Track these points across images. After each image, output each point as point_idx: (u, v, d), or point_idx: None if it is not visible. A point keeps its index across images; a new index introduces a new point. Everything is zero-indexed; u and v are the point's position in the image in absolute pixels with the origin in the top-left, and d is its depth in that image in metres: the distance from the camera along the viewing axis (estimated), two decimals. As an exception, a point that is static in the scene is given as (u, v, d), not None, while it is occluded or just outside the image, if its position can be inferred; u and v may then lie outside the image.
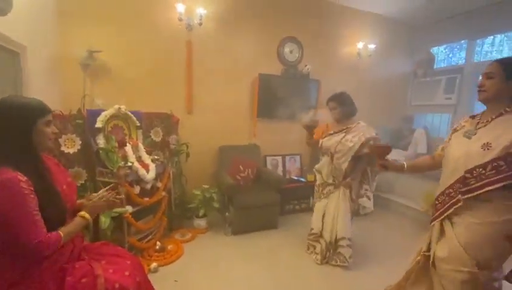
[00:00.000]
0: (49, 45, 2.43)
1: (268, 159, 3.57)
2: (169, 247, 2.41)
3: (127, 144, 2.26)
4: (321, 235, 2.35)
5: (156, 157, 2.47)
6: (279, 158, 3.62)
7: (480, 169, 1.09)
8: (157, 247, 2.33)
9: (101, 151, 2.09)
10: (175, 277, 2.07)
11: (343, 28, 3.86)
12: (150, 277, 1.46)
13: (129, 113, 2.35)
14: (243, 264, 2.32)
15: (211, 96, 3.22)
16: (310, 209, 3.40)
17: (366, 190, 2.24)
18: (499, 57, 3.58)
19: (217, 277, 2.13)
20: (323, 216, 2.31)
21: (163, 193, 2.50)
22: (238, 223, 2.82)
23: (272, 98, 3.46)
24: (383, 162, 1.45)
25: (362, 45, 3.86)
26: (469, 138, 1.19)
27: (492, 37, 3.79)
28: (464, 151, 1.17)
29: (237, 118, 3.44)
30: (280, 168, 3.61)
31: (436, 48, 4.42)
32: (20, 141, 1.01)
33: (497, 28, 3.59)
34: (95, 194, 1.33)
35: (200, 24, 2.92)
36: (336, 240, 2.25)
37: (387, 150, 1.45)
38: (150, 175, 2.24)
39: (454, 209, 1.19)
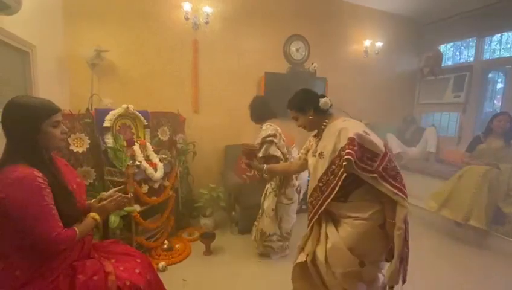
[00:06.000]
0: (58, 44, 2.45)
1: (275, 158, 3.55)
2: (177, 246, 2.41)
3: (135, 143, 2.26)
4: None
5: (163, 156, 2.47)
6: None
7: (325, 176, 1.28)
8: (165, 246, 2.33)
9: (109, 151, 2.10)
10: (183, 276, 2.07)
11: (350, 26, 3.83)
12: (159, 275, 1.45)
13: (137, 113, 2.36)
14: (250, 262, 2.31)
15: (217, 95, 3.22)
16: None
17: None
18: (507, 55, 3.61)
19: (224, 276, 2.12)
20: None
21: (171, 192, 2.50)
22: (245, 222, 2.80)
23: (278, 96, 3.44)
24: (248, 162, 1.79)
25: (369, 42, 3.83)
26: (314, 155, 1.38)
27: (499, 35, 3.73)
28: (314, 166, 1.36)
29: (243, 117, 3.41)
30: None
31: (443, 46, 4.37)
32: (28, 142, 1.02)
33: (505, 25, 3.54)
34: (105, 193, 1.33)
35: (207, 23, 2.91)
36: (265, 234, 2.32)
37: (253, 153, 1.79)
38: (158, 174, 2.24)
39: (337, 210, 1.32)
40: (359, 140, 1.19)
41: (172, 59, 2.98)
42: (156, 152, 2.43)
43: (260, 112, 2.41)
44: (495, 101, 3.97)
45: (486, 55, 3.86)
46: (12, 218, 0.95)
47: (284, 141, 2.31)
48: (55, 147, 1.11)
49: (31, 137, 1.02)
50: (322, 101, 1.39)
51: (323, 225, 1.38)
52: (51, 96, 1.14)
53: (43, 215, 0.96)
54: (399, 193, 1.16)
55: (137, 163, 2.11)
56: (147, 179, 2.21)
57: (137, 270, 1.20)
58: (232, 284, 2.04)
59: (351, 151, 1.15)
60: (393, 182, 1.17)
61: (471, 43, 4.03)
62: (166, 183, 2.44)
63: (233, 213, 2.88)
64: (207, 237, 2.41)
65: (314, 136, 1.50)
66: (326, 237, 1.34)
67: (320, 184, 1.30)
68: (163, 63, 2.94)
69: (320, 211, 1.32)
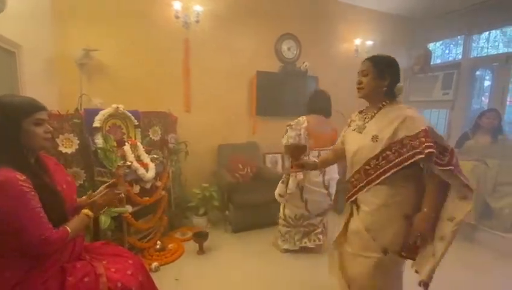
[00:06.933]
0: (45, 44, 2.40)
1: (268, 157, 3.56)
2: (170, 246, 2.40)
3: (126, 144, 2.24)
4: None
5: (155, 156, 2.46)
6: (279, 156, 3.61)
7: (374, 160, 1.23)
8: (158, 246, 2.32)
9: (99, 151, 2.07)
10: (176, 275, 2.07)
11: (341, 25, 3.85)
12: (151, 276, 1.45)
13: (127, 113, 2.33)
14: (244, 261, 2.32)
15: (209, 94, 3.21)
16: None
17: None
18: (494, 52, 3.68)
19: (217, 275, 2.13)
20: None
21: (163, 192, 2.49)
22: (239, 221, 2.81)
23: (270, 95, 3.45)
24: (298, 162, 1.50)
25: (360, 41, 3.86)
26: (360, 132, 1.31)
27: (487, 32, 3.81)
28: (358, 146, 1.29)
29: (236, 116, 3.43)
30: (279, 166, 3.61)
31: (433, 44, 4.43)
32: (10, 142, 0.99)
33: (492, 23, 3.61)
34: (96, 192, 1.31)
35: (197, 21, 2.90)
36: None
37: (303, 149, 1.50)
38: (150, 174, 2.23)
39: (361, 195, 1.31)
40: (431, 133, 1.15)
41: (163, 58, 2.95)
42: (148, 152, 2.42)
43: (308, 104, 2.43)
44: (483, 98, 4.05)
45: (474, 53, 3.93)
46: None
47: (300, 136, 2.23)
48: (40, 146, 1.07)
49: (12, 136, 0.99)
50: (400, 84, 1.28)
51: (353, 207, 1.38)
52: (39, 97, 1.11)
53: (29, 219, 0.95)
54: (470, 187, 1.14)
55: (128, 163, 2.09)
56: (138, 180, 2.19)
57: (129, 272, 1.20)
58: (225, 283, 2.04)
59: (431, 144, 1.11)
60: (464, 176, 1.16)
61: (459, 41, 4.10)
62: (158, 183, 2.42)
63: (227, 212, 2.88)
64: (200, 237, 2.40)
65: (360, 112, 1.41)
66: (351, 219, 1.37)
67: (367, 167, 1.26)
68: (154, 62, 2.91)
69: (361, 192, 1.30)
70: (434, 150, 1.10)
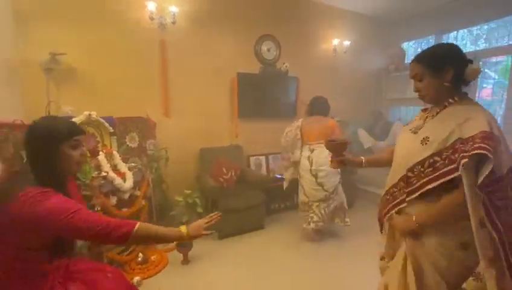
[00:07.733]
0: (5, 47, 2.21)
1: (252, 159, 3.52)
2: (153, 257, 2.29)
3: (100, 153, 2.12)
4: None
5: (133, 164, 2.34)
6: (263, 158, 3.58)
7: (419, 166, 1.00)
8: (140, 259, 2.21)
9: (71, 162, 1.93)
10: (160, 288, 1.97)
11: (319, 25, 3.89)
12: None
13: (101, 120, 2.21)
14: (232, 268, 2.26)
15: (189, 97, 3.12)
16: (295, 207, 3.40)
17: None
18: (463, 50, 3.86)
19: (204, 284, 2.05)
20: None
21: (143, 202, 2.37)
22: (224, 227, 2.74)
23: (251, 97, 3.42)
24: (340, 159, 1.34)
25: (338, 41, 3.92)
26: (415, 133, 1.09)
27: (456, 32, 4.00)
28: (408, 148, 1.08)
29: (217, 118, 3.36)
30: (264, 168, 3.58)
31: (406, 43, 4.60)
32: (46, 166, 0.99)
33: (461, 23, 3.80)
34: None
35: (173, 23, 2.80)
36: None
37: (344, 146, 1.36)
38: (127, 184, 2.11)
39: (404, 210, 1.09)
40: (496, 140, 0.87)
41: (139, 61, 2.82)
42: (125, 160, 2.30)
43: (307, 109, 2.79)
44: (454, 94, 4.25)
45: (445, 52, 4.10)
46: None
47: (291, 131, 2.73)
48: (74, 170, 1.07)
49: (49, 161, 0.98)
50: (470, 67, 0.99)
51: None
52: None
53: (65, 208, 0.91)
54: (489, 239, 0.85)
55: (104, 174, 1.97)
56: (116, 190, 2.07)
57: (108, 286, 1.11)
58: (213, 293, 1.98)
59: (488, 147, 0.83)
60: (492, 218, 0.85)
61: (431, 40, 4.27)
62: (138, 192, 2.30)
63: (212, 218, 2.80)
64: (184, 246, 2.31)
65: (423, 110, 1.17)
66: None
67: (410, 174, 1.02)
68: (128, 65, 2.78)
69: (399, 206, 1.08)
70: (488, 153, 0.82)
